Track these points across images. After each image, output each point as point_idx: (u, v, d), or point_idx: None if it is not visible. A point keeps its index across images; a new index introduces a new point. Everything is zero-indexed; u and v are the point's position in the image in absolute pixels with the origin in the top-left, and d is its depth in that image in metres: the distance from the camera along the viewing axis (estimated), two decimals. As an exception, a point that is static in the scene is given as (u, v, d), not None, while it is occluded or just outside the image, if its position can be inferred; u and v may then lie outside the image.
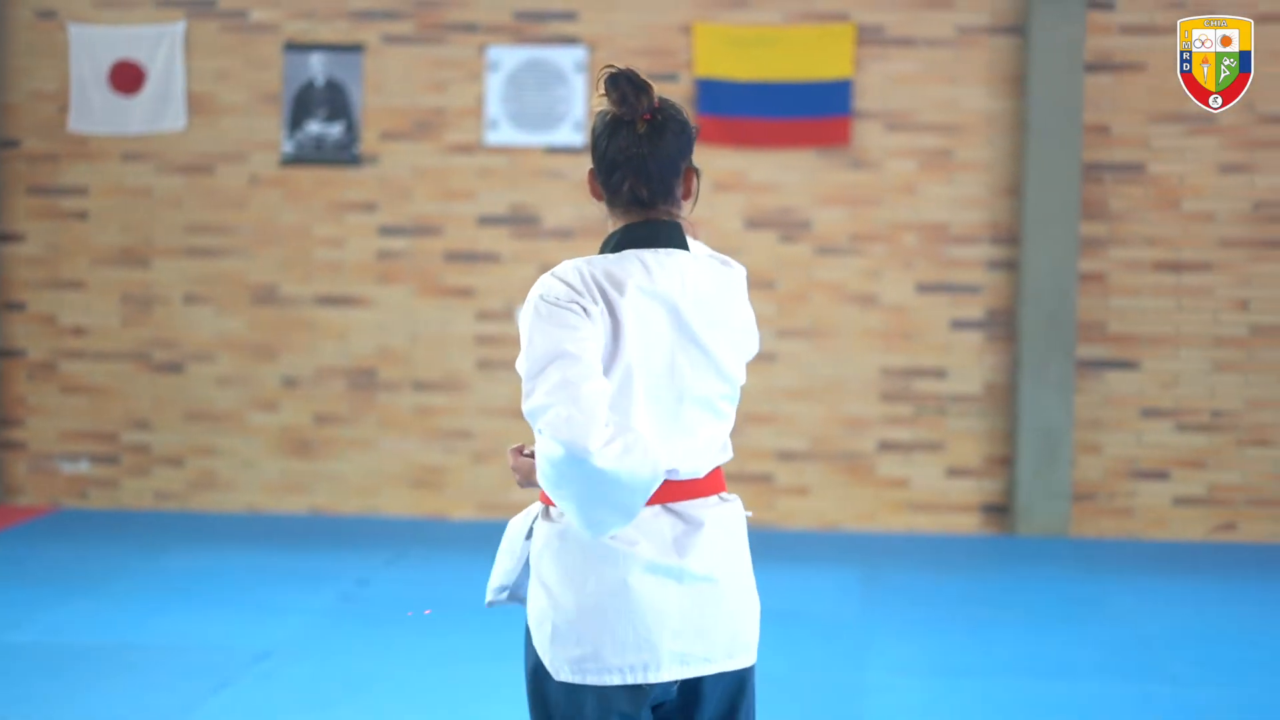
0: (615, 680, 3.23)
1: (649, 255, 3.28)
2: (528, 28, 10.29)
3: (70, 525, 10.09)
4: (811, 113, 10.15)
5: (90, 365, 10.56)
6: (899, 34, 10.18)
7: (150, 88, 10.44)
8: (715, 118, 10.14)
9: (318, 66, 10.40)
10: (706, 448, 3.33)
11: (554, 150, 10.31)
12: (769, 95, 10.14)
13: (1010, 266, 10.15)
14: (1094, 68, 10.06)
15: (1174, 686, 6.87)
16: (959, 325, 10.21)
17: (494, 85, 10.31)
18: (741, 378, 3.38)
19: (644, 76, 3.27)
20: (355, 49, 10.37)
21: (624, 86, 3.24)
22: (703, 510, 3.32)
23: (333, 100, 10.40)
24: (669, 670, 3.25)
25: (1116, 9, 10.06)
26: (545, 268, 10.19)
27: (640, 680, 3.24)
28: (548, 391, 3.13)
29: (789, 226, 10.23)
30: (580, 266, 3.27)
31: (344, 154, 10.40)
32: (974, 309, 10.20)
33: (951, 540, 10.08)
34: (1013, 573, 9.23)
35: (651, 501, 3.25)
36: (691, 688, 3.32)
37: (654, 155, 3.25)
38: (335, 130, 10.40)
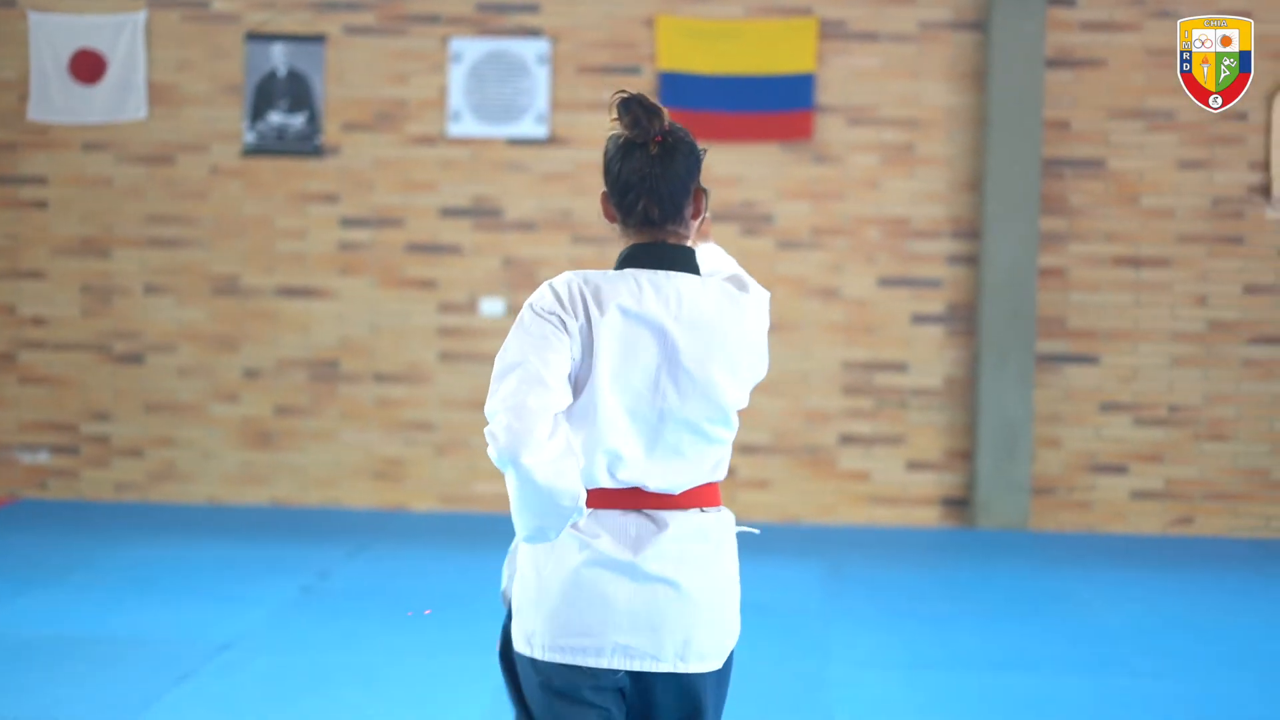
0: (560, 659, 3.35)
1: (647, 276, 3.36)
2: (490, 19, 10.28)
3: (29, 516, 10.03)
4: (774, 106, 10.17)
5: (50, 356, 10.51)
6: (861, 29, 10.21)
7: (111, 77, 10.38)
8: (678, 111, 10.14)
9: (279, 57, 10.37)
10: (693, 468, 3.40)
11: (516, 142, 10.30)
12: (732, 89, 10.16)
13: (971, 261, 10.20)
14: (1054, 64, 10.12)
15: (1132, 679, 6.92)
16: (920, 319, 10.25)
17: (456, 77, 10.30)
18: (738, 403, 3.42)
19: (654, 101, 3.35)
20: (317, 40, 10.34)
21: (636, 110, 3.32)
22: (673, 516, 3.39)
23: (294, 91, 10.37)
24: (612, 660, 3.35)
25: (1077, 6, 10.11)
26: (508, 260, 10.22)
27: (582, 663, 3.34)
28: (501, 398, 3.23)
29: (751, 220, 10.25)
30: (573, 280, 3.35)
31: (306, 145, 10.37)
32: (935, 303, 10.24)
33: (912, 533, 10.13)
34: (973, 566, 9.28)
35: (625, 505, 3.36)
36: (646, 684, 3.39)
37: (665, 176, 3.33)
38: (297, 121, 10.37)
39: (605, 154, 3.39)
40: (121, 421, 10.49)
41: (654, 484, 3.36)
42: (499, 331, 10.33)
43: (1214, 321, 10.16)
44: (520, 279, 10.32)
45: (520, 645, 3.41)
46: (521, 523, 3.31)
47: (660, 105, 3.36)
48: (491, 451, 3.23)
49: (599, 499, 3.37)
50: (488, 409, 3.25)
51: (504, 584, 3.59)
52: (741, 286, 3.46)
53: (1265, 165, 10.08)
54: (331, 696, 6.40)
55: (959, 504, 10.26)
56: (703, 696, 3.42)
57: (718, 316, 3.37)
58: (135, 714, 6.10)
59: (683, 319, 3.34)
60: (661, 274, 3.36)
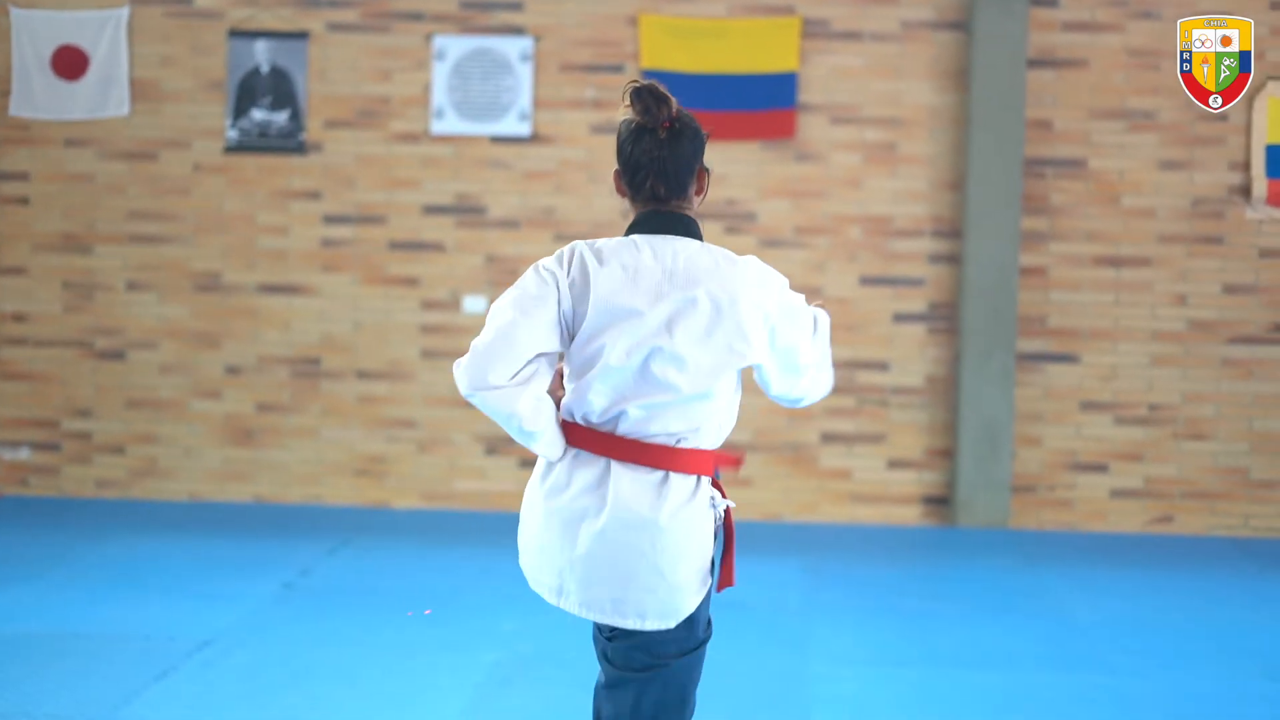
0: (544, 595, 3.78)
1: (650, 239, 3.74)
2: (474, 17, 10.29)
3: (10, 513, 10.03)
4: (757, 105, 10.19)
5: (31, 352, 10.50)
6: (844, 28, 10.23)
7: (93, 73, 10.38)
8: (661, 109, 10.15)
9: (262, 53, 10.36)
10: (673, 412, 3.67)
11: (500, 140, 10.31)
12: (714, 87, 10.18)
13: (952, 260, 10.22)
14: (1036, 63, 10.15)
15: (1110, 676, 6.95)
16: (901, 318, 10.28)
17: (440, 74, 10.30)
18: (730, 357, 3.69)
19: (664, 90, 3.70)
20: (300, 36, 10.34)
21: (646, 98, 3.69)
22: (637, 472, 3.68)
23: (277, 88, 10.37)
24: (577, 607, 3.72)
25: (1059, 6, 10.14)
26: (491, 258, 10.23)
27: (557, 603, 3.74)
28: (480, 335, 3.73)
29: (734, 218, 10.27)
30: (580, 245, 3.78)
31: (288, 142, 10.37)
32: (916, 302, 10.27)
33: (893, 531, 10.15)
34: (953, 564, 9.31)
35: (602, 452, 3.69)
36: (624, 630, 3.72)
37: (672, 158, 3.71)
38: (280, 118, 10.37)
39: (618, 136, 3.75)
40: (103, 418, 10.49)
41: (638, 428, 3.67)
42: (481, 329, 10.32)
43: (1194, 321, 10.20)
44: (503, 276, 10.33)
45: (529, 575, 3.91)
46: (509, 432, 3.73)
47: (669, 94, 3.70)
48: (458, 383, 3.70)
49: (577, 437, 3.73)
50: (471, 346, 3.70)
51: None
52: (730, 260, 3.74)
53: (1245, 166, 10.12)
54: (311, 693, 6.41)
55: (940, 502, 10.29)
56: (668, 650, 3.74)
57: (713, 269, 3.69)
58: (115, 710, 6.11)
59: (678, 274, 3.69)
60: (660, 238, 3.73)
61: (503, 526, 9.89)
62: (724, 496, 3.83)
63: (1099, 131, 10.18)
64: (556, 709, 6.29)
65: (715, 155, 10.16)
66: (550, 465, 3.76)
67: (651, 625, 3.68)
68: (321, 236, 10.39)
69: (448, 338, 10.36)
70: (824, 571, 8.94)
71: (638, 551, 3.65)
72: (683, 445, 3.70)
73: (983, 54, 9.99)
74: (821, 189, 10.27)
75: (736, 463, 3.94)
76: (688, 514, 3.70)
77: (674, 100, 3.71)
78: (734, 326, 3.70)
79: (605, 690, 3.82)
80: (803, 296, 3.89)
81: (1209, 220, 10.17)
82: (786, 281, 3.83)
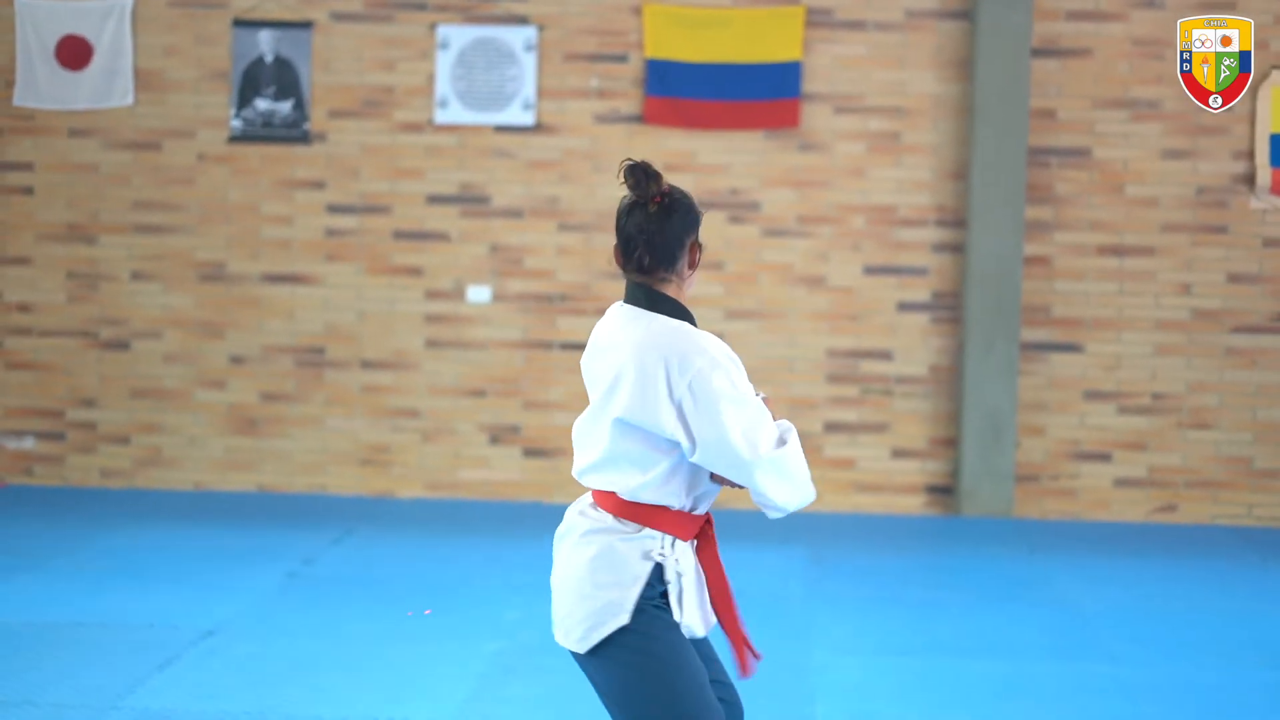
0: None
1: (626, 309, 3.95)
2: (477, 6, 10.29)
3: (15, 502, 10.05)
4: (760, 95, 10.19)
5: (36, 342, 10.52)
6: (848, 17, 10.23)
7: (98, 63, 10.38)
8: (664, 99, 10.17)
9: (267, 43, 10.37)
10: (606, 468, 3.92)
11: (503, 129, 10.31)
12: (718, 76, 10.17)
13: (956, 249, 10.22)
14: (1040, 53, 10.14)
15: (1113, 665, 6.96)
16: (905, 307, 10.28)
17: (444, 64, 10.30)
18: (638, 422, 3.84)
19: (655, 169, 3.90)
20: (305, 26, 10.34)
21: (638, 174, 3.86)
22: (574, 514, 4.02)
23: (282, 77, 10.38)
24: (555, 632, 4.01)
25: (1063, -6, 10.14)
26: (495, 247, 10.24)
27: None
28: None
29: (737, 208, 10.27)
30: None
31: (293, 131, 10.37)
32: (920, 291, 10.27)
33: (896, 520, 10.16)
34: (956, 553, 9.32)
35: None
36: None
37: (661, 231, 3.88)
38: (284, 108, 10.38)
39: (617, 212, 3.94)
40: (108, 408, 10.51)
41: (584, 477, 4.00)
42: (485, 319, 10.35)
43: (1197, 310, 10.20)
44: (507, 266, 10.33)
45: None
46: None
47: (659, 172, 3.90)
48: None
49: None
50: None
51: None
52: (673, 335, 3.87)
53: (1249, 155, 10.11)
54: (314, 683, 6.42)
55: (943, 491, 10.30)
56: (595, 676, 3.93)
57: (613, 346, 3.90)
58: (118, 698, 6.13)
59: (599, 341, 3.96)
60: (636, 311, 3.92)
61: (507, 516, 9.93)
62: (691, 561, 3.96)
63: (1103, 121, 10.17)
64: (558, 698, 6.30)
65: (719, 144, 10.17)
66: None
67: (560, 639, 3.99)
68: (326, 226, 10.40)
69: (452, 327, 10.37)
70: (827, 561, 8.95)
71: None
72: (607, 492, 3.96)
73: (987, 43, 9.98)
74: (825, 178, 10.27)
75: (744, 656, 4.07)
76: (576, 539, 3.98)
77: (663, 178, 3.90)
78: (634, 395, 3.83)
79: None
80: (755, 397, 3.89)
81: (1213, 209, 10.16)
82: (726, 369, 3.83)
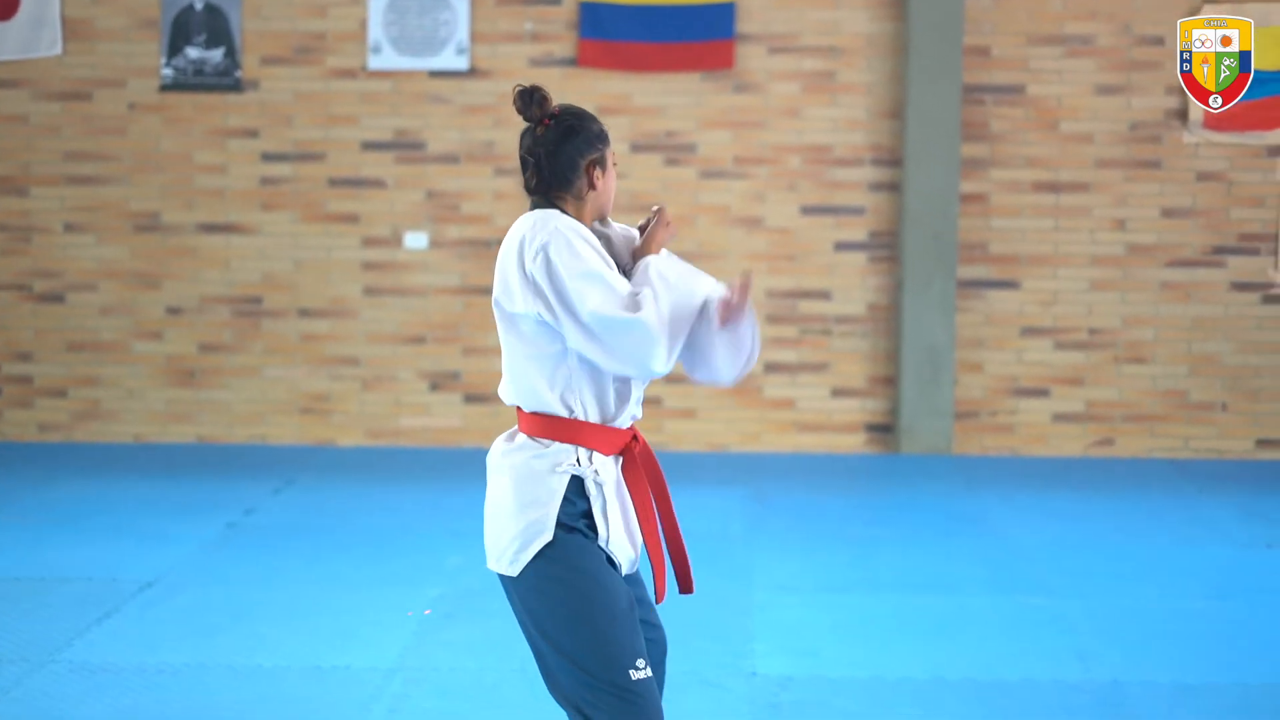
0: None
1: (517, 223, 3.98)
2: (409, -49, 10.20)
3: (-48, 458, 9.98)
4: (695, 36, 10.16)
5: (-31, 296, 10.42)
6: (781, -44, 10.20)
7: (24, 12, 10.25)
8: (599, 41, 10.12)
9: (196, -10, 10.26)
10: (510, 375, 4.02)
11: (437, 74, 10.25)
12: (652, 18, 10.13)
13: (892, 188, 10.24)
14: (974, -10, 10.14)
15: (1049, 598, 7.03)
16: (843, 247, 10.30)
17: (376, 9, 10.22)
18: (510, 308, 3.92)
19: (544, 92, 3.94)
20: (234, -28, 10.23)
21: (526, 98, 3.92)
22: (498, 442, 4.08)
23: (212, 25, 10.27)
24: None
25: (996, -69, 10.14)
26: (431, 193, 10.20)
27: None
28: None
29: (673, 150, 10.25)
30: None
31: (224, 79, 10.28)
32: (857, 231, 10.29)
33: (837, 459, 10.21)
34: (896, 490, 9.38)
35: None
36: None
37: (550, 153, 3.91)
38: (215, 55, 10.28)
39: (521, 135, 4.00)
40: (44, 361, 10.43)
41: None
42: (423, 265, 10.31)
43: (1132, 245, 10.26)
44: (443, 212, 10.29)
45: None
46: None
47: (546, 95, 3.93)
48: None
49: None
50: None
51: None
52: (536, 224, 3.91)
53: (1182, 90, 10.13)
54: (255, 632, 6.42)
55: (883, 430, 10.35)
56: (513, 597, 3.99)
57: (506, 244, 3.96)
58: (58, 651, 6.11)
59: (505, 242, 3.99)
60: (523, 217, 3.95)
61: (448, 462, 9.93)
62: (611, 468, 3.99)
63: (1036, 58, 10.19)
64: (498, 642, 6.32)
65: (654, 86, 10.15)
66: None
67: (492, 565, 4.03)
68: (260, 175, 10.32)
69: (389, 274, 10.33)
70: (768, 500, 9.00)
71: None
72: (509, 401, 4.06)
73: (920, -19, 9.97)
74: (761, 119, 10.26)
75: (661, 581, 4.08)
76: (496, 462, 4.02)
77: (550, 101, 3.94)
78: (500, 280, 3.94)
79: None
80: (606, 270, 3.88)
81: (1146, 145, 10.21)
82: (571, 243, 3.85)
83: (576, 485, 3.91)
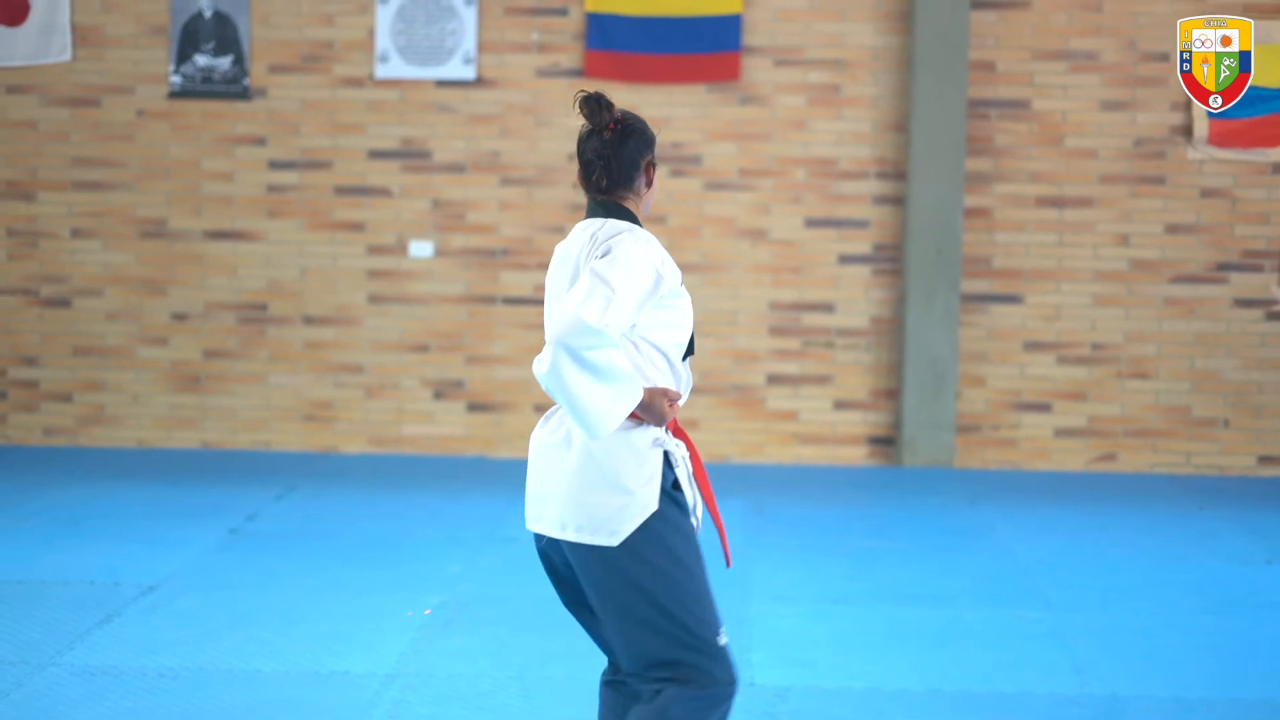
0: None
1: (585, 222, 4.27)
2: (417, -40, 10.25)
3: (-43, 461, 10.01)
4: (701, 48, 10.19)
5: (-24, 300, 10.46)
6: (788, -30, 10.23)
7: (35, 18, 10.30)
8: (605, 52, 10.16)
9: (205, -2, 10.31)
10: None
11: (445, 84, 10.29)
12: (659, 30, 10.17)
13: (897, 201, 10.27)
14: (979, 5, 10.17)
15: (1049, 612, 7.04)
16: (847, 260, 10.33)
17: (384, 18, 10.26)
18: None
19: (608, 98, 4.23)
20: (243, -19, 10.28)
21: (592, 104, 4.20)
22: (565, 418, 4.22)
23: (221, 32, 10.32)
24: (529, 522, 4.24)
25: (1002, -54, 10.17)
26: (437, 202, 10.23)
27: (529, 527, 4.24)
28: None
29: (679, 161, 10.28)
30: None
31: (232, 87, 10.32)
32: (861, 244, 10.32)
33: (839, 471, 10.23)
34: (897, 503, 9.39)
35: None
36: (564, 551, 4.19)
37: (617, 155, 4.22)
38: (224, 63, 10.32)
39: (578, 139, 4.26)
40: (49, 366, 10.47)
41: None
42: (428, 273, 10.35)
43: (1136, 261, 10.28)
44: (449, 221, 10.33)
45: None
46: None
47: (612, 102, 4.23)
48: None
49: None
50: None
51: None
52: (609, 234, 4.18)
53: (1186, 106, 10.18)
54: (256, 637, 6.45)
55: (885, 442, 10.37)
56: (592, 570, 4.12)
57: (567, 248, 4.27)
58: (59, 654, 6.14)
59: (573, 243, 4.24)
60: (593, 220, 4.23)
61: (450, 470, 9.96)
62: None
63: (1041, 73, 10.22)
64: (497, 649, 6.35)
65: (660, 97, 10.18)
66: None
67: (570, 537, 4.19)
68: (267, 182, 10.36)
69: (394, 283, 10.36)
70: (769, 512, 9.01)
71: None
72: None
73: (926, -5, 10.01)
74: (766, 131, 10.29)
75: (726, 540, 4.45)
76: (584, 441, 4.17)
77: (615, 106, 4.23)
78: (574, 276, 4.20)
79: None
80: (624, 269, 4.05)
81: (1151, 160, 10.24)
82: (632, 257, 4.05)
83: (665, 458, 4.17)
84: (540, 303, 10.34)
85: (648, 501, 4.09)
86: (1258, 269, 10.26)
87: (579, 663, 6.08)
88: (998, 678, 6.14)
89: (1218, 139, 10.12)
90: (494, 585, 7.30)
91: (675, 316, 4.24)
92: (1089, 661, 6.35)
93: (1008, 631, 6.74)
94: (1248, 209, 10.25)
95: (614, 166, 4.23)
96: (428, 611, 6.89)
